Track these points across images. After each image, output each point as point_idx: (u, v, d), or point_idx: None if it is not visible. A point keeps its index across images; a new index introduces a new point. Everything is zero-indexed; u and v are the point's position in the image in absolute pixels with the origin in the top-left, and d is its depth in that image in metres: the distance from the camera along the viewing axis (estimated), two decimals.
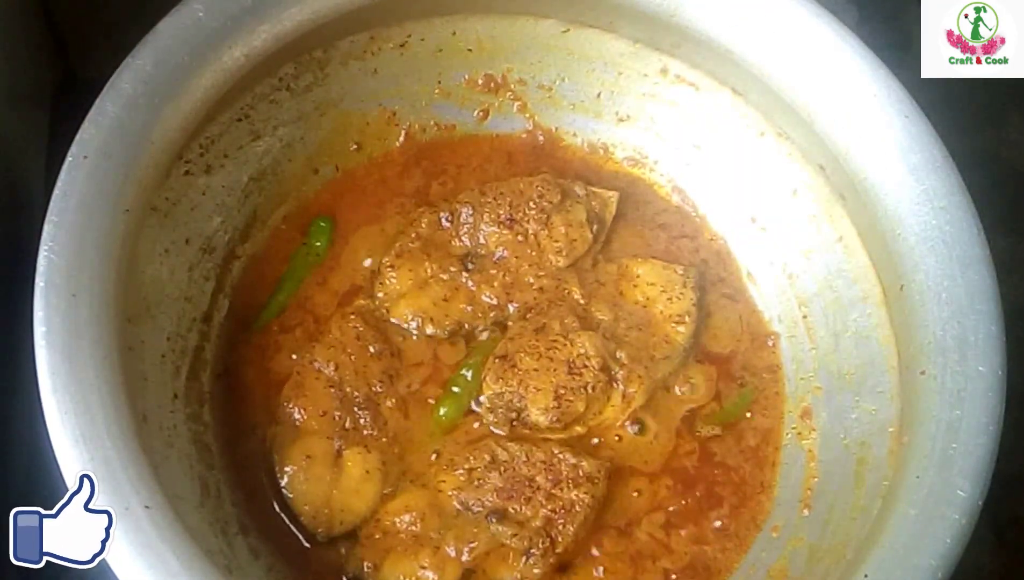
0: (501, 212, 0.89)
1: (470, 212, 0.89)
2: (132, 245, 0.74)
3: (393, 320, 0.87)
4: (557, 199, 0.90)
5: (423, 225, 0.89)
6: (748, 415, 0.89)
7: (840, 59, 0.81)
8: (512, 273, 0.88)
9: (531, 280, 0.88)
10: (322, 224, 0.91)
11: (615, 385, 0.85)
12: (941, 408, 0.73)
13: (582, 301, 0.88)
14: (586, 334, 0.85)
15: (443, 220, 0.89)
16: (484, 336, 0.88)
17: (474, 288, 0.88)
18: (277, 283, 0.89)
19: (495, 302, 0.87)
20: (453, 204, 0.90)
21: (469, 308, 0.87)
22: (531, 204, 0.89)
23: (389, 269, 0.88)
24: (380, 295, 0.88)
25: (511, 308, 0.87)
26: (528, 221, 0.89)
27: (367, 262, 0.90)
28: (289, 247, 0.90)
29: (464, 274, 0.88)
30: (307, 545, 0.81)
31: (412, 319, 0.87)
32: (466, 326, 0.87)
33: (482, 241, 0.89)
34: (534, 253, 0.89)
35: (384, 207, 0.92)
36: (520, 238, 0.89)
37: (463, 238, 0.89)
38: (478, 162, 0.95)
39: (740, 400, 0.89)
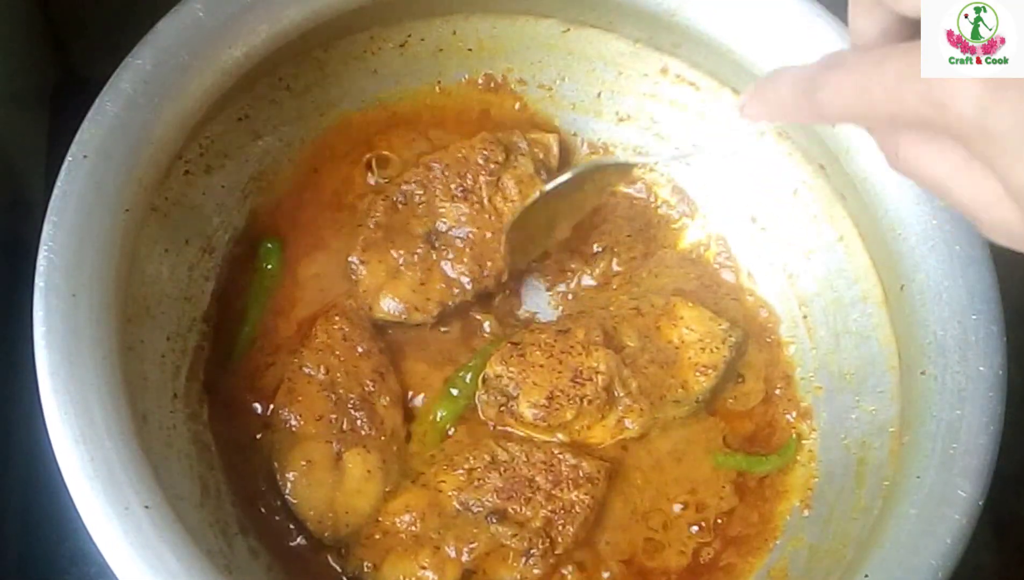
0: (452, 185, 0.88)
1: (421, 190, 0.88)
2: (132, 245, 0.73)
3: (378, 315, 0.86)
4: (502, 157, 0.88)
5: (379, 212, 0.88)
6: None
7: None
8: (478, 244, 0.87)
9: (498, 245, 0.87)
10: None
11: (614, 409, 0.84)
12: (942, 408, 0.73)
13: (614, 320, 0.86)
14: (605, 351, 0.84)
15: (397, 203, 0.88)
16: (483, 324, 0.87)
17: (446, 265, 0.87)
18: None
19: (470, 275, 0.87)
20: (400, 185, 0.89)
21: (447, 286, 0.86)
22: (479, 169, 0.88)
23: (360, 265, 0.86)
24: (360, 292, 0.86)
25: (485, 273, 0.86)
26: (480, 188, 0.88)
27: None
28: None
29: (432, 253, 0.87)
30: (306, 545, 0.81)
31: (396, 310, 0.86)
32: (450, 304, 0.86)
33: (441, 215, 0.88)
34: (493, 218, 0.88)
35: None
36: (477, 207, 0.88)
37: (420, 217, 0.88)
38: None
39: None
